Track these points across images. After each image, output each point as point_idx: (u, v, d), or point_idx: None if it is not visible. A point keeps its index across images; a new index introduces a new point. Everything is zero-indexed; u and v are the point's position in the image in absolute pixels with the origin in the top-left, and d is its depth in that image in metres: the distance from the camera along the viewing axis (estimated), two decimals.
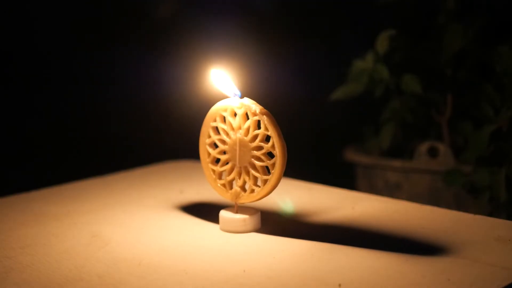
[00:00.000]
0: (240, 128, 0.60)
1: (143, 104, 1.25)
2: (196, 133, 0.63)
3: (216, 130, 0.62)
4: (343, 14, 1.32)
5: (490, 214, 0.83)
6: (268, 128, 0.58)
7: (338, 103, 0.98)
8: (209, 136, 0.62)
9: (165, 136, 1.24)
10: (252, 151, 0.60)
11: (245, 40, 1.25)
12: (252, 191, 0.60)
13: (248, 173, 0.60)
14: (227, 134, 0.61)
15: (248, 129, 0.60)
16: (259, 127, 0.59)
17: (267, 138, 0.59)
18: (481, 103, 0.89)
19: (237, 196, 0.61)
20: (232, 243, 0.58)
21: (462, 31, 0.91)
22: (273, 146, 0.58)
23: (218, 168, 0.62)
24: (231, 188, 0.62)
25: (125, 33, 1.25)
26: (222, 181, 0.62)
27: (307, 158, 1.26)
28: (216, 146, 0.62)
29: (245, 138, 0.60)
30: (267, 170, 0.60)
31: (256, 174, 0.60)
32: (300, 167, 0.86)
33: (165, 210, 0.69)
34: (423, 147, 0.94)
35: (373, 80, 0.95)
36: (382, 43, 0.95)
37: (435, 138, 0.98)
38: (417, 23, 1.04)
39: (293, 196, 0.72)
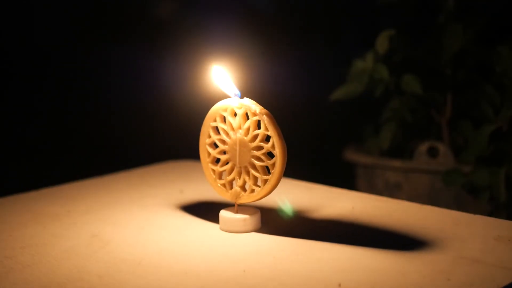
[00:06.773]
0: (240, 128, 0.60)
1: (143, 104, 1.26)
2: (196, 133, 0.63)
3: (216, 130, 0.62)
4: (343, 14, 1.33)
5: (490, 214, 0.83)
6: (268, 128, 0.58)
7: (338, 103, 0.98)
8: (209, 136, 0.62)
9: (165, 136, 1.24)
10: (252, 151, 0.60)
11: (245, 39, 1.25)
12: (252, 191, 0.60)
13: (248, 173, 0.60)
14: (227, 134, 0.61)
15: (248, 129, 0.60)
16: (259, 127, 0.59)
17: (267, 138, 0.59)
18: (481, 103, 0.89)
19: (237, 196, 0.61)
20: (232, 243, 0.58)
21: (462, 31, 0.91)
22: (273, 146, 0.58)
23: (218, 168, 0.62)
24: (231, 188, 0.62)
25: (125, 33, 1.25)
26: (222, 181, 0.62)
27: (307, 158, 1.27)
28: (216, 146, 0.62)
29: (245, 138, 0.60)
30: (267, 170, 0.60)
31: (256, 174, 0.60)
32: (300, 167, 0.86)
33: (165, 210, 0.69)
34: (423, 147, 0.94)
35: (373, 80, 0.95)
36: (382, 43, 0.95)
37: (435, 138, 0.98)
38: (417, 23, 1.04)
39: (293, 196, 0.72)
